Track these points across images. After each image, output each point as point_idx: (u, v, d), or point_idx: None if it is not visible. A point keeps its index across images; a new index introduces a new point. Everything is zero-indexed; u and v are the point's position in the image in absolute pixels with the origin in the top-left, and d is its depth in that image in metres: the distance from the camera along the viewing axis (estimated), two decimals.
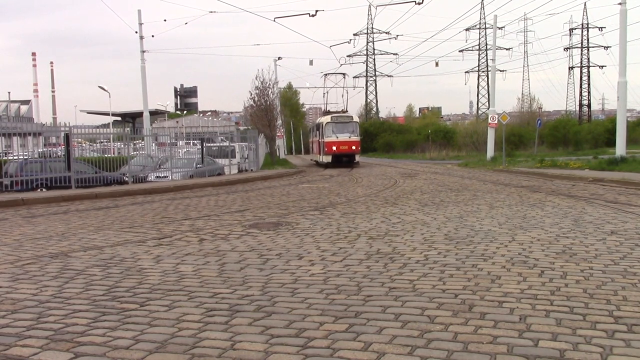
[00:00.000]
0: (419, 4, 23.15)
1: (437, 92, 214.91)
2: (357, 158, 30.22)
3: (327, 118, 30.29)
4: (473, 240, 6.31)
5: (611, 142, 34.88)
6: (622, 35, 20.52)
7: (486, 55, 79.53)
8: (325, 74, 34.12)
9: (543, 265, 5.01)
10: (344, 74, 33.99)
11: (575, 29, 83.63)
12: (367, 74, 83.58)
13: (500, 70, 75.36)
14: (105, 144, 37.30)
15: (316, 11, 22.51)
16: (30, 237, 7.17)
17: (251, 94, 31.93)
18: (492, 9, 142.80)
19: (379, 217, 8.49)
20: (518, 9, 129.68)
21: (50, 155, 19.57)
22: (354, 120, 30.92)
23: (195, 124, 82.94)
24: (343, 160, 29.28)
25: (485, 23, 79.20)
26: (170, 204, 11.27)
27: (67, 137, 14.95)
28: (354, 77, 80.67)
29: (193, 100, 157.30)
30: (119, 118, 59.58)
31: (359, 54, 79.16)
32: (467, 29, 77.03)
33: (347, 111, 32.35)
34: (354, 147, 29.38)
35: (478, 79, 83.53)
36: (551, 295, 4.03)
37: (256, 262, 5.35)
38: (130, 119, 55.40)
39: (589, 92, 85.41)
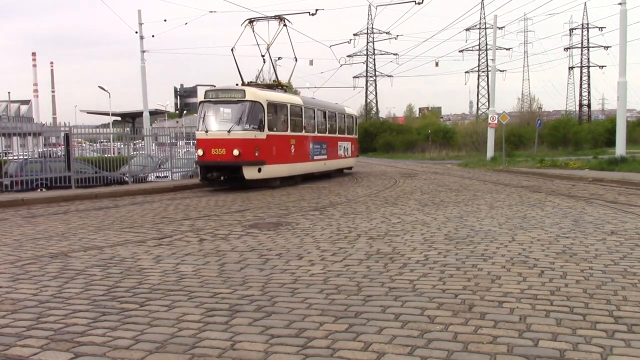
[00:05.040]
0: (419, 4, 23.08)
1: (437, 92, 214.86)
2: (260, 172, 14.47)
3: (201, 95, 15.50)
4: (473, 241, 6.31)
5: (611, 142, 34.90)
6: (622, 35, 20.52)
7: (486, 55, 79.49)
8: (251, 20, 17.20)
9: (543, 265, 5.01)
10: (280, 18, 17.50)
11: (575, 29, 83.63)
12: (367, 74, 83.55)
13: (500, 70, 75.34)
14: (105, 144, 37.30)
15: (316, 10, 22.41)
16: (30, 237, 7.17)
17: None
18: (492, 9, 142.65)
19: (379, 217, 8.49)
20: (518, 9, 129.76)
21: (50, 155, 19.57)
22: (249, 97, 14.45)
23: (195, 124, 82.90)
24: (213, 175, 14.46)
25: (485, 23, 79.16)
26: (170, 204, 11.27)
27: (67, 137, 14.95)
28: (353, 77, 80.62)
29: (193, 100, 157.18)
30: (119, 118, 59.63)
31: (359, 54, 79.08)
32: (467, 29, 76.94)
33: (297, 92, 17.61)
34: (237, 152, 13.89)
35: (478, 79, 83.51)
36: (551, 295, 4.03)
37: (256, 262, 5.35)
38: (130, 119, 55.42)
39: (589, 92, 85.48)
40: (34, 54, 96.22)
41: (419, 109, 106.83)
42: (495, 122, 26.94)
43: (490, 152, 29.53)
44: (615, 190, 12.64)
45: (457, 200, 10.98)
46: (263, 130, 14.47)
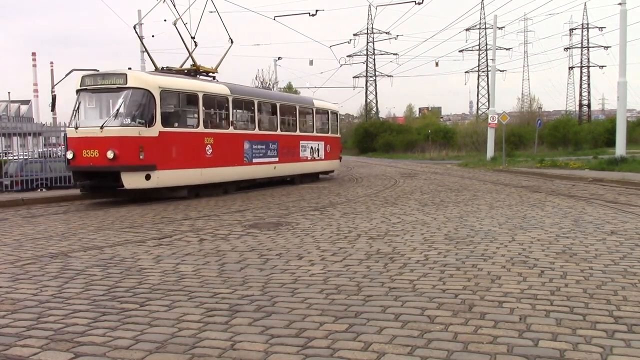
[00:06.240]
0: (419, 4, 23.08)
1: (437, 92, 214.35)
2: (149, 180, 11.31)
3: (78, 82, 11.82)
4: (473, 240, 6.31)
5: (611, 142, 34.88)
6: (622, 35, 20.51)
7: (486, 55, 79.47)
8: None
9: (543, 265, 5.01)
10: None
11: (575, 29, 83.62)
12: (367, 74, 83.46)
13: (500, 70, 75.31)
14: None
15: (316, 10, 22.39)
16: (30, 237, 7.17)
17: None
18: (492, 9, 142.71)
19: (379, 217, 8.49)
20: (518, 9, 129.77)
21: (50, 155, 19.57)
22: (132, 84, 11.27)
23: None
24: (77, 185, 12.02)
25: (485, 23, 79.13)
26: (170, 203, 11.26)
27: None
28: (353, 77, 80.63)
29: None
30: None
31: (359, 54, 79.00)
32: (467, 29, 76.96)
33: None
34: (111, 155, 10.81)
35: (478, 79, 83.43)
36: (551, 295, 4.03)
37: (256, 262, 5.35)
38: None
39: (589, 92, 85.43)
40: (34, 54, 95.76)
41: (419, 109, 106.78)
42: (495, 122, 26.93)
43: (490, 152, 29.52)
44: (615, 190, 12.64)
45: (457, 200, 10.98)
46: (153, 126, 11.27)
